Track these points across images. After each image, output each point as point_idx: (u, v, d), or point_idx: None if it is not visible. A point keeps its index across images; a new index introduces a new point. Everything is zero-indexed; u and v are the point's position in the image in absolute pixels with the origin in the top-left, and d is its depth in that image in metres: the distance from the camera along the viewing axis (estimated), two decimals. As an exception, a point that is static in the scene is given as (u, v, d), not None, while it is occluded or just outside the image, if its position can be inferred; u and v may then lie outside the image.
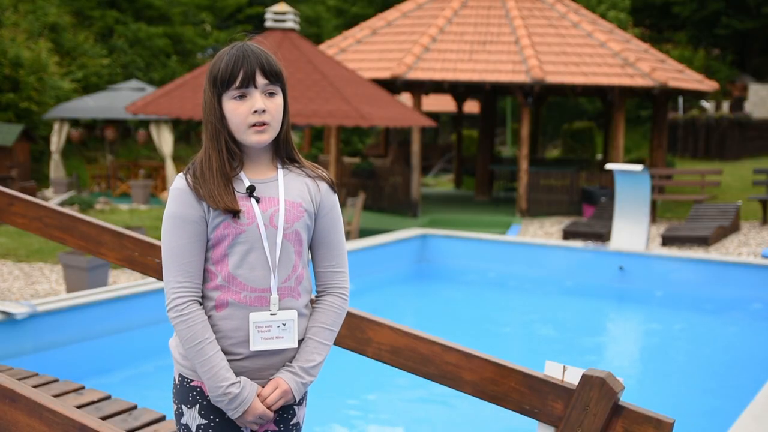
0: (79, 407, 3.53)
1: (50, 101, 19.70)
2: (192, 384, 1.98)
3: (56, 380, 4.00)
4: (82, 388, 3.89)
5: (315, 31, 33.74)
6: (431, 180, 23.45)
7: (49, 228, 3.28)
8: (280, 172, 2.02)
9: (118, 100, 17.64)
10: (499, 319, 8.68)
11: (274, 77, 1.97)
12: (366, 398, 6.03)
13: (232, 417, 1.93)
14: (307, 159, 2.14)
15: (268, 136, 1.96)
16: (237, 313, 1.94)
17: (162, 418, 3.55)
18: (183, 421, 2.00)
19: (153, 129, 17.48)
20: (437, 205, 16.83)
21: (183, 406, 2.00)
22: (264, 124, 1.94)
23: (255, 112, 1.93)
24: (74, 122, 19.75)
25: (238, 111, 1.93)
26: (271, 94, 1.97)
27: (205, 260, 1.97)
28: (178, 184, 1.97)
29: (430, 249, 10.37)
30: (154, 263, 3.03)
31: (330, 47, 17.44)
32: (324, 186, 2.06)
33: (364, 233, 12.28)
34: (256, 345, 1.94)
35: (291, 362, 2.00)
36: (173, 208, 1.95)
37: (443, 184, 22.68)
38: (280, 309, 1.97)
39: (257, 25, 30.86)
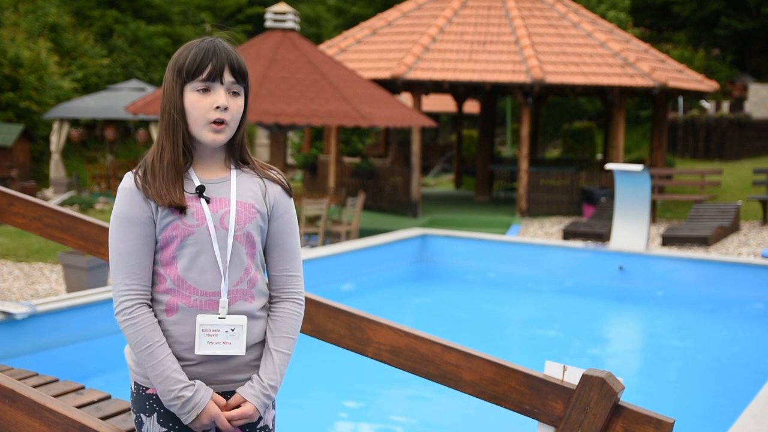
0: (79, 407, 3.53)
1: (50, 101, 19.70)
2: (147, 392, 1.94)
3: (56, 380, 4.00)
4: (82, 388, 3.89)
5: (315, 31, 33.75)
6: (431, 180, 23.45)
7: (49, 228, 3.28)
8: (233, 172, 1.97)
9: (118, 100, 17.63)
10: (499, 319, 8.68)
11: (241, 77, 1.93)
12: (366, 398, 6.03)
13: (186, 422, 1.87)
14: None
15: (224, 137, 1.92)
16: (187, 317, 1.89)
17: (162, 418, 3.54)
18: (143, 430, 1.96)
19: (153, 129, 17.49)
20: (437, 205, 16.83)
21: (142, 415, 1.95)
22: (223, 122, 1.90)
23: (217, 108, 1.88)
24: (74, 122, 19.75)
25: (199, 104, 1.89)
26: (235, 94, 1.92)
27: (155, 262, 1.92)
28: (126, 183, 1.92)
29: (430, 249, 10.37)
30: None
31: (330, 47, 17.44)
32: (277, 188, 2.01)
33: (364, 233, 12.28)
34: (202, 349, 1.89)
35: (259, 377, 1.94)
36: (120, 208, 1.91)
37: (443, 184, 22.69)
38: (230, 313, 1.91)
39: (257, 25, 30.86)
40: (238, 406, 1.93)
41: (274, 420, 2.08)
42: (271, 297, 2.04)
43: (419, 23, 17.24)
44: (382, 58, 16.05)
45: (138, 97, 16.53)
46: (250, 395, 1.92)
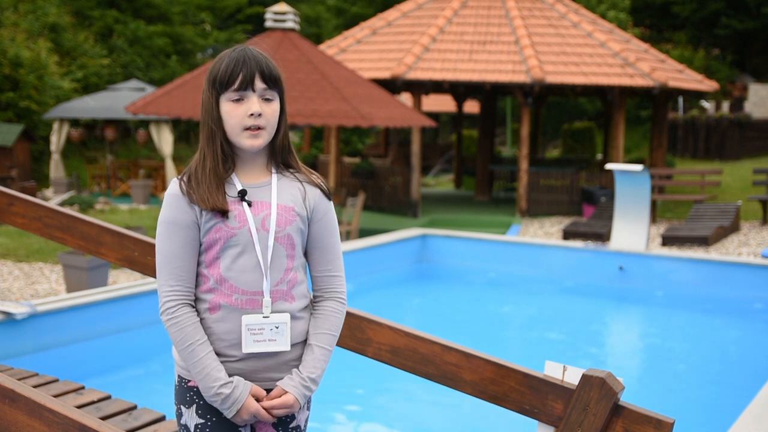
0: (79, 407, 3.53)
1: (50, 101, 19.70)
2: (189, 384, 2.02)
3: (56, 380, 4.00)
4: (82, 388, 3.89)
5: (315, 31, 33.75)
6: (431, 180, 23.46)
7: (49, 228, 3.28)
8: (274, 177, 2.05)
9: (118, 100, 17.64)
10: (499, 319, 8.68)
11: (273, 83, 1.99)
12: (365, 398, 6.03)
13: (228, 416, 1.96)
14: (306, 159, 2.15)
15: (261, 141, 1.99)
16: (230, 315, 1.97)
17: (162, 418, 3.55)
18: (182, 421, 2.03)
19: (153, 129, 17.49)
20: (437, 205, 16.83)
21: (182, 407, 2.03)
22: (258, 128, 1.97)
23: (251, 115, 1.95)
24: (74, 122, 19.76)
25: (234, 113, 1.96)
26: (268, 100, 1.99)
27: (199, 264, 2.00)
28: (171, 189, 2.00)
29: (430, 249, 10.37)
30: (154, 263, 3.03)
31: (330, 47, 17.44)
32: (317, 192, 2.08)
33: (364, 233, 12.28)
34: (249, 347, 1.96)
35: (299, 369, 2.01)
36: (166, 214, 1.99)
37: (443, 184, 22.69)
38: (272, 312, 1.98)
39: (257, 25, 30.86)
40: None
41: (306, 421, 2.15)
42: (314, 296, 2.12)
43: (419, 23, 17.24)
44: (382, 58, 16.05)
45: (138, 97, 16.53)
46: (289, 386, 1.99)
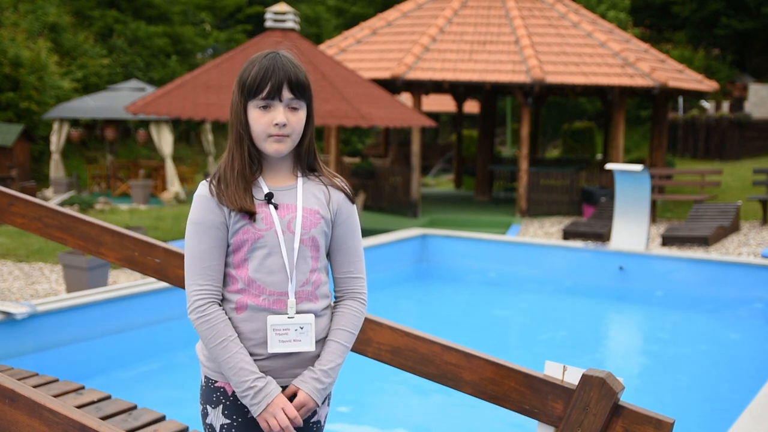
0: (79, 407, 3.53)
1: (50, 101, 19.70)
2: (216, 385, 2.05)
3: (56, 380, 4.00)
4: (82, 388, 3.89)
5: (315, 31, 33.75)
6: (431, 180, 23.46)
7: (49, 228, 3.28)
8: (300, 180, 2.09)
9: (118, 100, 17.63)
10: (498, 319, 8.68)
11: (300, 92, 2.02)
12: (365, 398, 6.03)
13: (256, 413, 1.96)
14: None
15: (285, 147, 2.03)
16: (256, 315, 2.01)
17: (162, 418, 3.55)
18: (208, 421, 2.06)
19: (153, 129, 17.48)
20: (437, 205, 16.83)
21: (208, 407, 2.06)
22: (283, 135, 2.01)
23: (276, 125, 1.99)
24: (74, 122, 19.76)
25: (260, 121, 2.00)
26: (294, 108, 2.02)
27: (227, 265, 2.04)
28: (201, 191, 2.04)
29: (430, 249, 10.37)
30: (154, 263, 3.03)
31: (330, 47, 17.44)
32: (341, 195, 2.13)
33: (364, 233, 12.23)
34: (274, 347, 2.00)
35: (312, 366, 2.04)
36: (195, 214, 2.03)
37: (443, 184, 22.69)
38: (297, 312, 2.02)
39: (257, 25, 30.86)
40: (295, 396, 2.01)
41: (326, 417, 2.18)
42: (336, 297, 2.17)
43: (419, 23, 17.24)
44: (382, 58, 16.05)
45: (138, 97, 16.53)
46: (300, 382, 2.02)
